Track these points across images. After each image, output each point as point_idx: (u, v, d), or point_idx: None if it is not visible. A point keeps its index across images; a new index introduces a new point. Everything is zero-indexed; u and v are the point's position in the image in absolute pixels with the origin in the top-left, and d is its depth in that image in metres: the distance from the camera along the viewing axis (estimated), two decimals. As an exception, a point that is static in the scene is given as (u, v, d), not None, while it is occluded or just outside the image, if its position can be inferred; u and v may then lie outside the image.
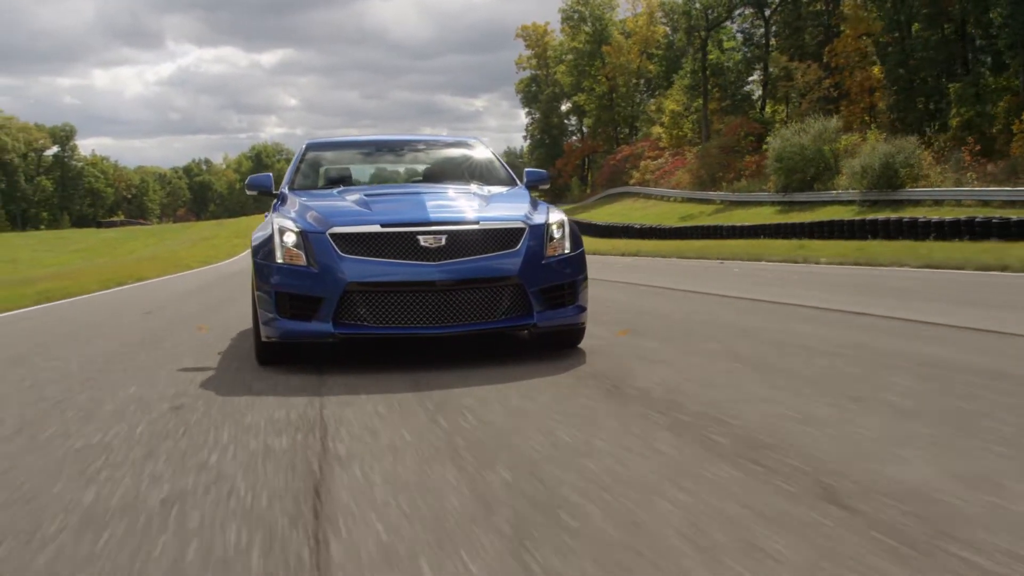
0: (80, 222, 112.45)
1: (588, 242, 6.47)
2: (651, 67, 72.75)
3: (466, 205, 5.30)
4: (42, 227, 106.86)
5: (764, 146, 46.00)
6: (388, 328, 4.79)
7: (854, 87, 50.50)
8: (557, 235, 5.20)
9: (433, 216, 4.94)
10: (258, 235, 5.43)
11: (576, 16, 77.26)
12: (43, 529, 2.34)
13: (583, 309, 5.27)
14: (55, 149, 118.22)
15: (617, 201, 61.97)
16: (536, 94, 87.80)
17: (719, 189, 48.05)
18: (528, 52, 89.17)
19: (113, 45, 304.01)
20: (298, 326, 4.84)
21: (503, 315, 4.92)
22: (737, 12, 58.92)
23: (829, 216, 30.15)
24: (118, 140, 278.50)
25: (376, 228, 4.85)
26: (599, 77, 75.88)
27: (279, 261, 4.93)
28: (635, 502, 2.39)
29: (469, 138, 7.44)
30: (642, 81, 75.70)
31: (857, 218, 27.02)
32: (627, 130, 77.23)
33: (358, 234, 4.86)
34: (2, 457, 3.16)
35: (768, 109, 58.34)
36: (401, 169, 7.58)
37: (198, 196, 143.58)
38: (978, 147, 33.46)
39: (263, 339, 5.06)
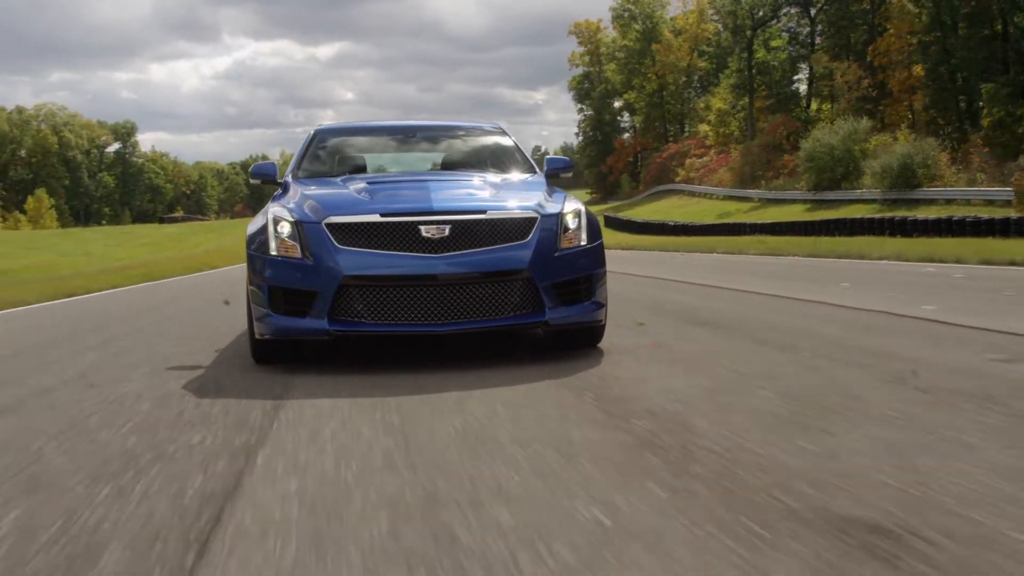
0: (140, 218, 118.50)
1: (606, 236, 6.51)
2: (701, 64, 75.73)
3: (474, 193, 5.14)
4: (104, 222, 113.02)
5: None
6: (387, 325, 4.62)
7: (896, 86, 52.94)
8: (572, 225, 4.98)
9: (437, 205, 4.75)
10: (253, 226, 5.23)
11: (626, 15, 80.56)
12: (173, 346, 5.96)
13: (601, 306, 5.06)
14: (116, 146, 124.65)
15: (664, 199, 65.08)
16: (588, 91, 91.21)
17: (759, 187, 51.02)
18: (580, 49, 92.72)
19: (169, 39, 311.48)
20: (292, 323, 4.68)
21: (512, 312, 4.72)
22: (783, 11, 61.65)
23: (849, 214, 33.08)
24: (175, 135, 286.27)
25: (375, 217, 4.67)
26: (649, 75, 79.02)
27: (273, 253, 4.77)
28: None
29: (488, 124, 7.28)
30: (693, 78, 78.69)
31: (866, 216, 30.00)
32: (676, 128, 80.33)
33: (355, 224, 4.67)
34: (166, 326, 6.88)
35: (813, 107, 60.95)
36: (415, 156, 7.40)
37: (255, 191, 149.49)
38: (986, 148, 36.09)
39: (256, 336, 4.93)
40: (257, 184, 6.44)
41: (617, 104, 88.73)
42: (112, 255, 47.87)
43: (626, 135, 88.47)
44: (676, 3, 79.87)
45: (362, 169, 6.51)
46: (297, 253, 4.70)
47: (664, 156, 69.33)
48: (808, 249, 18.23)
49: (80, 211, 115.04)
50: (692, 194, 60.45)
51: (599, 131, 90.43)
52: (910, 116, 51.66)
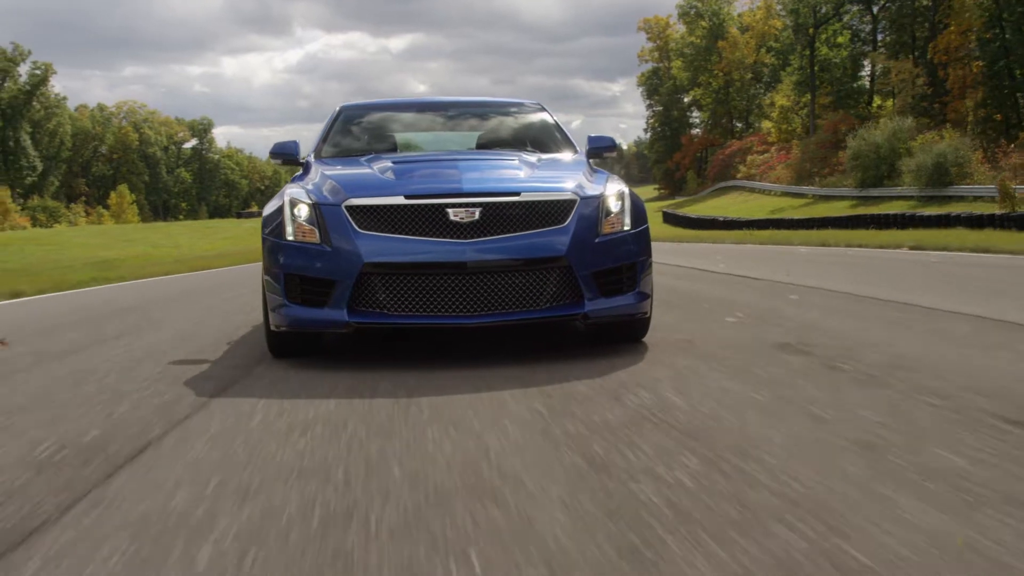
0: (216, 213, 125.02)
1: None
2: (768, 59, 78.86)
3: (508, 174, 4.87)
4: (180, 217, 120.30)
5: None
6: (411, 317, 4.36)
7: (956, 83, 55.59)
8: (615, 209, 4.72)
9: (467, 186, 4.49)
10: (269, 208, 4.98)
11: (693, 12, 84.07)
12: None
13: (646, 296, 4.79)
14: (194, 142, 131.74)
15: (724, 195, 68.49)
16: (657, 87, 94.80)
17: (812, 184, 54.33)
18: (650, 45, 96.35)
19: (241, 32, 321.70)
20: (309, 313, 4.47)
21: (547, 303, 4.46)
22: (845, 9, 64.58)
23: (886, 211, 36.49)
24: (247, 128, 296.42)
25: (399, 200, 4.40)
26: (715, 72, 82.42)
27: (289, 238, 4.54)
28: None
29: (526, 100, 7.08)
30: (759, 74, 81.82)
31: (899, 212, 33.52)
32: (742, 124, 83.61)
33: (378, 206, 4.42)
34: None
35: (875, 103, 63.80)
36: (447, 135, 7.11)
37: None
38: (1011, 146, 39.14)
39: (272, 328, 4.73)
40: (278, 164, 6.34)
41: (686, 99, 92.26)
42: (199, 246, 53.41)
43: (695, 131, 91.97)
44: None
45: (390, 148, 6.32)
46: (315, 238, 4.46)
47: (726, 153, 72.79)
48: (784, 239, 22.36)
49: (158, 206, 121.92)
50: (752, 190, 63.81)
51: (667, 127, 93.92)
52: (968, 113, 54.39)
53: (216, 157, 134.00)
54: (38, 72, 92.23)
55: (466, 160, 5.20)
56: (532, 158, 5.36)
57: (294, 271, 4.52)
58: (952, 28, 56.62)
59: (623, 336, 5.05)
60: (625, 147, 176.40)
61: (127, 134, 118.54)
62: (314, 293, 4.51)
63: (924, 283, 8.10)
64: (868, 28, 64.41)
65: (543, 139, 6.30)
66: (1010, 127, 49.00)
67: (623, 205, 4.76)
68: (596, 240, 4.55)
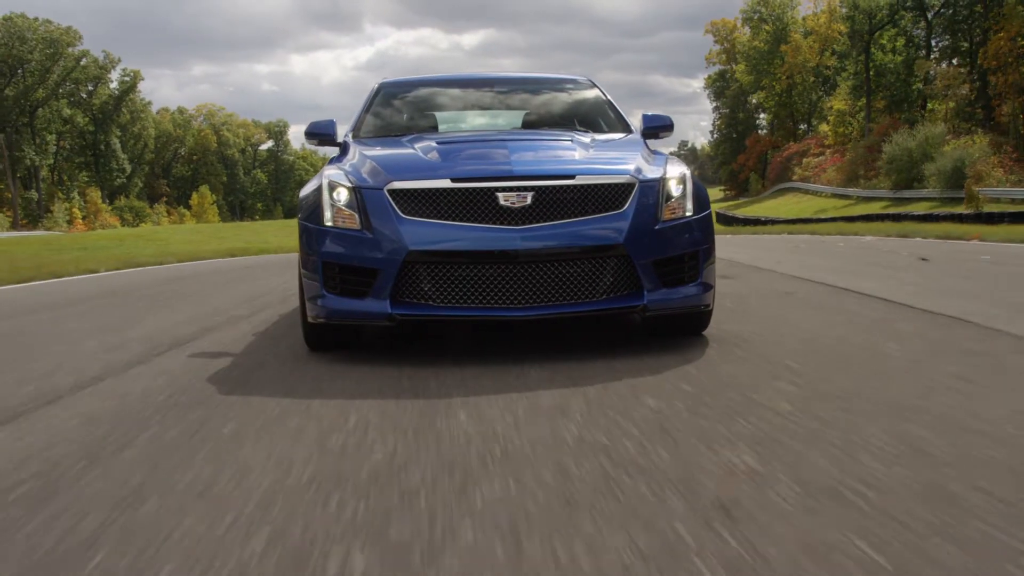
0: (290, 212, 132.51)
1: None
2: (831, 61, 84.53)
3: (561, 155, 4.80)
4: (256, 217, 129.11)
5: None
6: (458, 309, 4.33)
7: (1002, 89, 60.80)
8: (676, 193, 4.63)
9: (517, 168, 4.41)
10: (305, 192, 4.93)
11: (756, 16, 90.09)
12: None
13: (708, 287, 4.71)
14: (269, 143, 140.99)
15: (782, 196, 74.48)
16: (723, 89, 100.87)
17: (858, 186, 60.25)
18: (717, 47, 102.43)
19: (311, 30, 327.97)
20: (349, 304, 4.44)
21: (604, 294, 4.41)
22: (899, 16, 70.08)
23: (907, 210, 42.64)
24: None
25: (445, 183, 4.33)
26: (778, 75, 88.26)
27: (328, 224, 4.50)
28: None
29: (576, 76, 6.99)
30: (821, 78, 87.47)
31: (896, 212, 39.74)
32: (805, 127, 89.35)
33: (423, 190, 4.36)
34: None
35: (929, 107, 69.22)
36: (493, 112, 7.00)
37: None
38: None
39: (309, 319, 4.70)
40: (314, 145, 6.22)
41: (754, 100, 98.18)
42: (285, 243, 61.26)
43: (761, 132, 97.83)
44: (807, 3, 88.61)
45: (433, 127, 6.32)
46: (355, 224, 4.41)
47: (784, 155, 78.78)
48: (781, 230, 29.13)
49: (235, 206, 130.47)
50: (806, 192, 69.76)
51: (733, 129, 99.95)
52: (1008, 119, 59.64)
53: (291, 159, 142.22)
54: (127, 79, 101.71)
55: (516, 140, 5.06)
56: (585, 138, 5.22)
57: (333, 259, 4.44)
58: (1002, 34, 61.83)
59: (682, 330, 5.00)
60: (699, 147, 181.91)
61: (206, 136, 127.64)
62: (354, 283, 4.42)
63: (790, 254, 14.79)
64: (923, 33, 69.88)
65: (595, 117, 6.24)
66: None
67: (685, 189, 4.65)
68: (656, 227, 4.45)
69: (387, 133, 6.01)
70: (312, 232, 4.58)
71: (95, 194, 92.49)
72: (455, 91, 7.06)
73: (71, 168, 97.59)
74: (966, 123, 57.99)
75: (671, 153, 5.41)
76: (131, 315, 7.04)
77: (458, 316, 4.35)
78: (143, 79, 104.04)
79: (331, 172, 4.74)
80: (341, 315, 4.51)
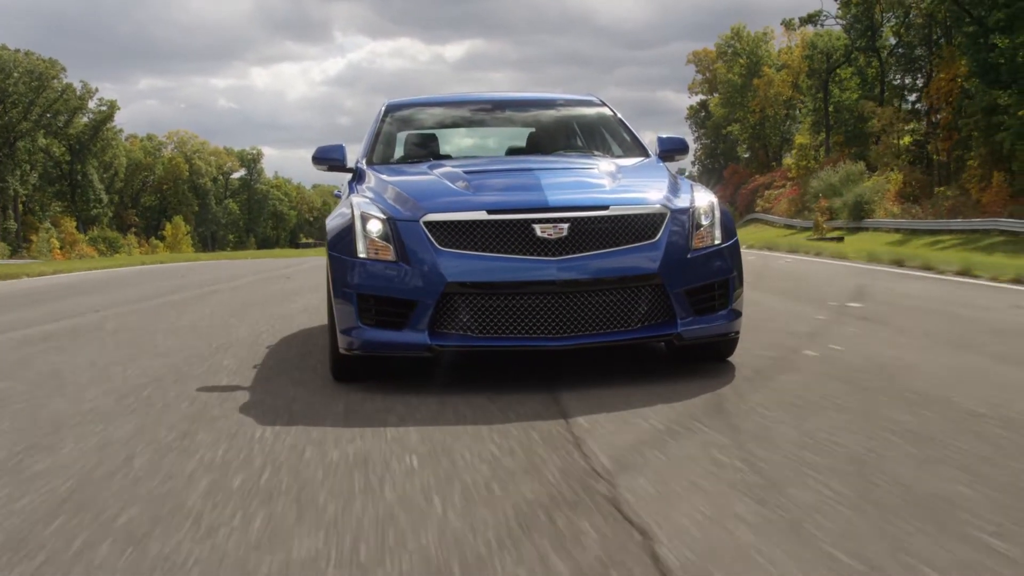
0: (264, 244, 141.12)
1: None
2: (800, 97, 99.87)
3: (592, 184, 5.67)
4: (229, 248, 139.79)
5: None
6: (496, 339, 5.08)
7: (943, 129, 75.40)
8: (705, 222, 5.46)
9: (552, 199, 5.17)
10: (334, 222, 5.69)
11: (731, 50, 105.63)
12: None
13: (738, 315, 5.58)
14: (242, 172, 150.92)
15: (748, 226, 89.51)
16: (704, 120, 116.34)
17: (803, 218, 75.41)
18: (699, 77, 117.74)
19: (274, 39, 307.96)
20: (385, 336, 5.17)
21: (638, 323, 5.21)
22: (853, 56, 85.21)
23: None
24: (280, 149, 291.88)
25: (481, 215, 5.08)
26: (751, 108, 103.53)
27: (361, 256, 5.25)
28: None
29: (587, 95, 7.89)
30: (797, 108, 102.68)
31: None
32: (776, 160, 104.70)
33: (460, 222, 5.11)
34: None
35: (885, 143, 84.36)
36: (503, 132, 8.08)
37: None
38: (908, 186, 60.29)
39: (342, 350, 5.42)
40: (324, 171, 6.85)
41: (726, 133, 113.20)
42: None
43: (734, 164, 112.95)
44: (782, 37, 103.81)
45: (449, 151, 7.30)
46: (390, 255, 5.13)
47: (751, 187, 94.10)
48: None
49: (207, 237, 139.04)
50: (765, 222, 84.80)
51: (714, 160, 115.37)
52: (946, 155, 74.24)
53: (265, 188, 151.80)
54: (104, 108, 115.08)
55: (544, 169, 5.88)
56: (609, 164, 6.16)
57: (368, 291, 5.17)
58: (943, 75, 76.47)
59: (710, 356, 5.85)
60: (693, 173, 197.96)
61: (178, 165, 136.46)
62: (391, 314, 5.13)
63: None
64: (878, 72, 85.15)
65: (609, 139, 7.22)
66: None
67: (714, 218, 5.49)
68: (688, 256, 5.24)
69: (401, 158, 6.99)
70: (345, 264, 5.30)
71: (69, 224, 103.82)
72: (465, 112, 8.01)
73: (43, 198, 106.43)
74: (897, 160, 73.04)
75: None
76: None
77: (496, 346, 5.09)
78: (119, 109, 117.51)
79: (359, 202, 5.49)
80: (377, 347, 5.22)
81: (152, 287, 18.07)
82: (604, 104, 7.68)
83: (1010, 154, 50.97)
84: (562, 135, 7.76)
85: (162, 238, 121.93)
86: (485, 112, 8.10)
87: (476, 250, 5.12)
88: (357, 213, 5.43)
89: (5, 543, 3.19)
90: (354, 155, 7.13)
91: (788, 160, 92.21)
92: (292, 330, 9.10)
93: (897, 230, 52.50)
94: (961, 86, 70.14)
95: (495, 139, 8.32)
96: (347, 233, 5.43)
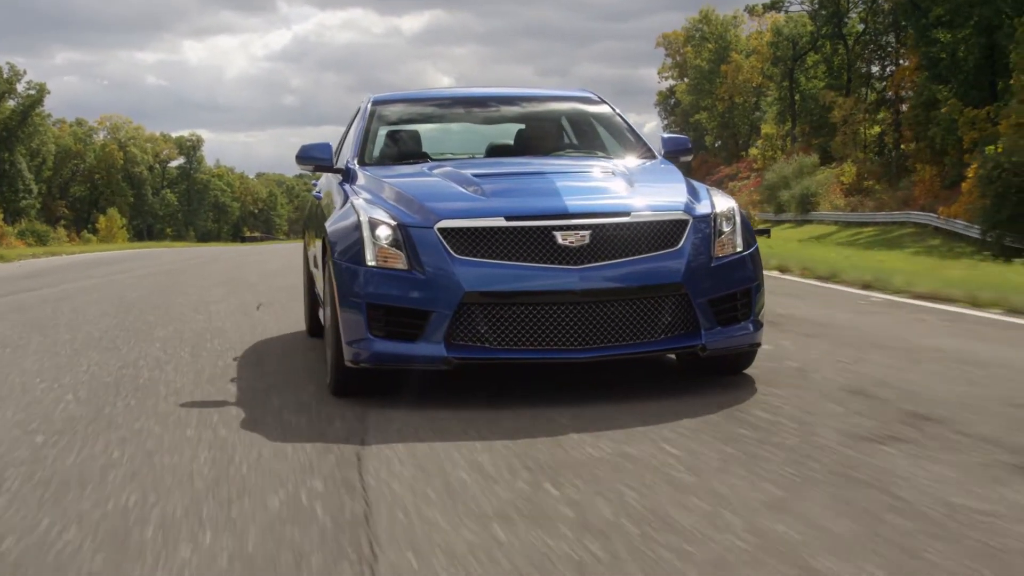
0: (204, 238, 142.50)
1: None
2: (771, 84, 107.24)
3: (610, 189, 6.06)
4: (166, 243, 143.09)
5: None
6: (516, 352, 5.45)
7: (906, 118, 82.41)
8: (727, 229, 5.87)
9: (572, 205, 5.59)
10: (336, 226, 6.03)
11: (699, 34, 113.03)
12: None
13: (761, 325, 6.00)
14: (181, 160, 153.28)
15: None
16: (673, 107, 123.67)
17: (761, 209, 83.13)
18: (669, 61, 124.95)
19: (209, 8, 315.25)
20: (398, 348, 5.50)
21: (662, 334, 5.60)
22: (819, 43, 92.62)
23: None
24: (217, 133, 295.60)
25: (499, 221, 5.47)
26: (720, 95, 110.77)
27: (370, 263, 5.53)
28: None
29: (584, 91, 8.33)
30: (762, 99, 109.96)
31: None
32: (746, 150, 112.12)
33: (477, 229, 5.49)
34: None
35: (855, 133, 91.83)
36: (497, 132, 8.41)
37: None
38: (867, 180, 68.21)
39: (347, 363, 5.68)
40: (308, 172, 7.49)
41: (693, 121, 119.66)
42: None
43: (704, 153, 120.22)
44: (752, 22, 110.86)
45: (445, 151, 7.87)
46: (401, 264, 5.47)
47: (716, 178, 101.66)
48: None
49: (143, 230, 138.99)
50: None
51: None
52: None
53: (205, 178, 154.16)
54: (32, 92, 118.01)
55: (557, 172, 6.35)
56: (619, 167, 6.61)
57: (378, 301, 5.49)
58: (906, 65, 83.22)
59: (727, 367, 6.31)
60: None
61: (111, 152, 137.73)
62: (404, 325, 5.47)
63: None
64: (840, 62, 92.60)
65: (612, 138, 7.64)
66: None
67: (735, 224, 5.91)
68: (712, 264, 5.67)
69: (397, 158, 7.42)
70: (353, 272, 5.59)
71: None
72: (459, 109, 8.57)
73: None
74: (864, 151, 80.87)
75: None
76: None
77: (516, 359, 5.47)
78: (49, 92, 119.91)
79: (364, 206, 5.83)
80: (388, 359, 5.54)
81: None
82: (603, 101, 8.07)
83: (942, 148, 58.55)
84: (559, 134, 8.18)
85: (95, 231, 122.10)
86: (478, 108, 8.46)
87: (494, 258, 5.39)
88: (364, 218, 5.66)
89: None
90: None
91: (754, 150, 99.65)
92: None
93: (836, 223, 60.54)
94: (911, 79, 76.20)
95: (489, 137, 8.33)
96: (354, 239, 5.67)
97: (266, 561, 3.48)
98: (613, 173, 6.45)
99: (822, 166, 76.83)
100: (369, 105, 7.92)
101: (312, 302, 8.64)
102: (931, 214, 53.10)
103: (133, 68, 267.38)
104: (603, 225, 5.57)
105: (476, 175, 6.25)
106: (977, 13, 57.57)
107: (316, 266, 7.74)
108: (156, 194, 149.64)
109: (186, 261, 28.68)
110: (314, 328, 8.57)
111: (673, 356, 6.82)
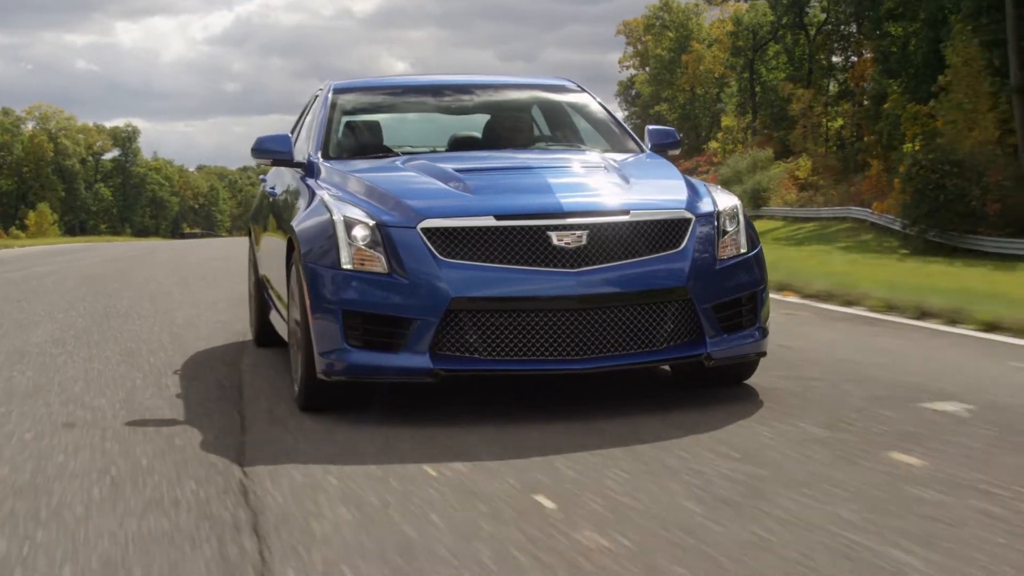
0: (141, 234, 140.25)
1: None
2: (733, 75, 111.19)
3: (604, 185, 6.07)
4: (106, 238, 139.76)
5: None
6: (509, 362, 5.41)
7: (857, 112, 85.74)
8: (731, 228, 5.89)
9: (567, 203, 5.57)
10: (305, 224, 5.96)
11: (659, 23, 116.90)
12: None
13: (766, 333, 6.04)
14: (115, 152, 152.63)
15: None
16: (635, 97, 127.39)
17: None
18: (631, 50, 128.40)
19: None
20: (377, 359, 5.47)
21: (665, 343, 5.60)
22: (780, 32, 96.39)
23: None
24: (153, 122, 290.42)
25: (489, 221, 5.44)
26: (681, 86, 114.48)
27: (346, 267, 5.49)
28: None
29: (562, 79, 8.36)
30: (724, 90, 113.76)
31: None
32: (707, 142, 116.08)
33: (464, 229, 5.45)
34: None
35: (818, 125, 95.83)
36: (469, 123, 8.38)
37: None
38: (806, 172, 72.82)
39: (319, 374, 5.62)
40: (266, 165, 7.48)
41: (654, 112, 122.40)
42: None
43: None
44: (714, 10, 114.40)
45: (415, 143, 7.84)
46: (381, 267, 5.43)
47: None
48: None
49: (75, 226, 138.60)
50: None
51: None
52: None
53: (142, 171, 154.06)
54: None
55: (546, 168, 6.38)
56: (608, 161, 6.62)
57: (355, 307, 5.44)
58: (868, 57, 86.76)
59: (726, 378, 6.31)
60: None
61: (41, 144, 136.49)
62: (383, 334, 5.44)
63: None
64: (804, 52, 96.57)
65: (596, 132, 7.66)
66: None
67: (739, 223, 5.94)
68: (716, 266, 5.69)
69: (363, 151, 7.35)
70: (326, 276, 5.55)
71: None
72: (428, 98, 8.50)
73: None
74: (826, 144, 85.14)
75: None
76: None
77: (509, 370, 5.45)
78: None
79: (335, 203, 5.77)
80: (366, 371, 5.50)
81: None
82: (583, 90, 8.03)
83: (889, 143, 63.11)
84: (550, 126, 8.20)
85: (24, 227, 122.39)
86: (448, 97, 8.38)
87: (484, 261, 5.39)
88: (338, 217, 5.61)
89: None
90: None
91: (714, 143, 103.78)
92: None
93: (785, 218, 65.13)
94: (871, 72, 78.14)
95: (457, 129, 8.29)
96: (327, 240, 5.63)
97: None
98: (605, 168, 6.45)
99: (783, 160, 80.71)
100: (330, 94, 7.84)
101: (261, 307, 8.59)
102: (867, 209, 57.79)
103: (61, 51, 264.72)
104: (601, 224, 5.55)
105: (458, 170, 6.23)
106: (924, 8, 61.12)
107: (266, 269, 8.22)
108: (89, 188, 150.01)
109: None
110: (263, 336, 8.57)
111: (667, 368, 6.84)
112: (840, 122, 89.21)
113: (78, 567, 3.66)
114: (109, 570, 3.62)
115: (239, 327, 10.10)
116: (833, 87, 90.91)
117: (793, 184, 73.66)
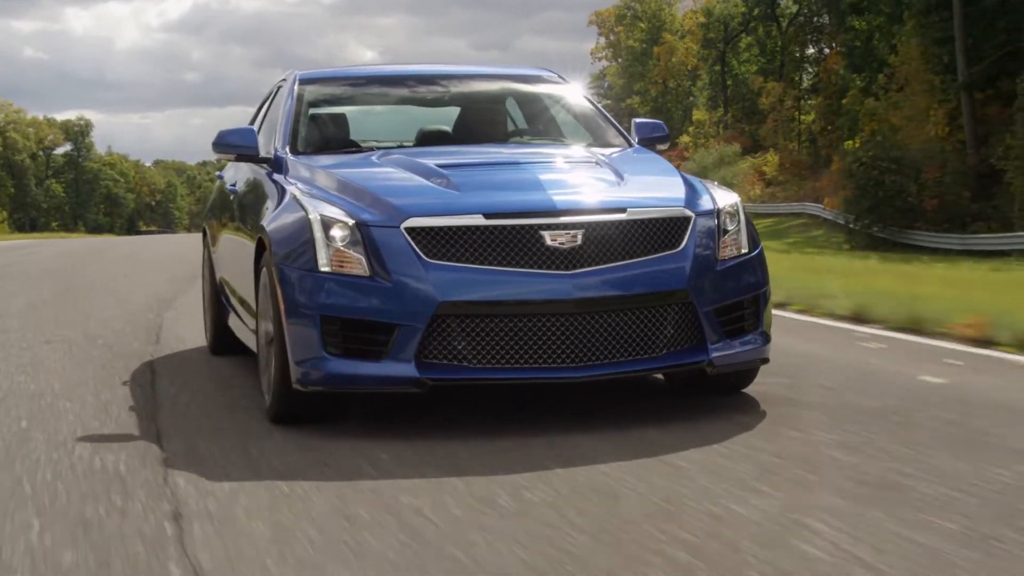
0: (97, 230, 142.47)
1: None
2: (705, 68, 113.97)
3: (598, 181, 6.05)
4: (60, 234, 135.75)
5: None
6: (500, 370, 5.34)
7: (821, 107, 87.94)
8: (731, 227, 5.89)
9: (560, 200, 5.54)
10: (277, 224, 5.89)
11: (631, 14, 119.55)
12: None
13: (769, 339, 6.04)
14: (67, 147, 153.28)
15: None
16: (607, 90, 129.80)
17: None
18: (603, 40, 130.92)
19: None
20: (358, 368, 5.40)
21: (664, 349, 5.56)
22: (752, 24, 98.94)
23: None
24: (106, 114, 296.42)
25: (477, 219, 5.39)
26: (653, 79, 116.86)
27: (324, 269, 5.42)
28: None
29: (540, 70, 8.29)
30: (697, 83, 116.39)
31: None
32: (679, 135, 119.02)
33: (451, 229, 5.40)
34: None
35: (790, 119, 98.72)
36: (443, 115, 8.36)
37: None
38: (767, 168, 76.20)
39: (294, 384, 5.54)
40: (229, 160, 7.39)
41: (624, 105, 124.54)
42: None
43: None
44: (686, 1, 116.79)
45: (389, 137, 7.76)
46: (361, 269, 5.37)
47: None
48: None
49: (25, 224, 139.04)
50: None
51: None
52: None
53: (95, 166, 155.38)
54: None
55: (535, 163, 6.41)
56: (598, 155, 6.61)
57: (334, 312, 5.37)
58: (837, 50, 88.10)
59: (723, 386, 6.33)
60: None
61: None
62: (365, 341, 5.38)
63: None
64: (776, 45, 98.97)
65: (581, 123, 7.65)
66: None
67: (739, 222, 5.94)
68: (717, 268, 5.69)
69: (333, 145, 7.29)
70: (302, 280, 5.47)
71: None
72: (400, 90, 8.43)
73: None
74: (798, 138, 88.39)
75: None
76: None
77: (500, 379, 5.41)
78: None
79: (311, 201, 5.71)
80: (346, 381, 5.44)
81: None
82: (564, 80, 8.08)
83: (849, 138, 66.42)
84: (531, 119, 8.24)
85: None
86: (423, 88, 8.39)
87: (472, 262, 5.35)
88: (314, 216, 5.55)
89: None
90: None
91: (686, 137, 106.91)
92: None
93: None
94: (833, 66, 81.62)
95: (446, 123, 8.18)
96: (302, 241, 5.57)
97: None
98: (596, 163, 6.42)
99: (752, 155, 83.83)
100: (294, 84, 7.69)
101: (217, 312, 8.49)
102: (819, 205, 61.50)
103: (8, 38, 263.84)
104: (596, 223, 5.52)
105: (441, 165, 6.17)
106: (886, 3, 64.01)
107: (226, 271, 8.14)
108: (40, 184, 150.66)
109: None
110: (218, 344, 8.47)
111: (661, 377, 6.80)
112: (812, 116, 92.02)
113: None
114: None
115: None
116: (807, 80, 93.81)
117: (759, 180, 76.75)
